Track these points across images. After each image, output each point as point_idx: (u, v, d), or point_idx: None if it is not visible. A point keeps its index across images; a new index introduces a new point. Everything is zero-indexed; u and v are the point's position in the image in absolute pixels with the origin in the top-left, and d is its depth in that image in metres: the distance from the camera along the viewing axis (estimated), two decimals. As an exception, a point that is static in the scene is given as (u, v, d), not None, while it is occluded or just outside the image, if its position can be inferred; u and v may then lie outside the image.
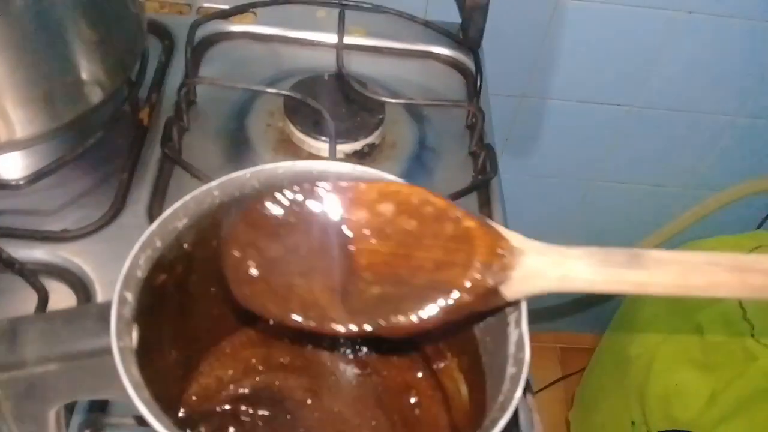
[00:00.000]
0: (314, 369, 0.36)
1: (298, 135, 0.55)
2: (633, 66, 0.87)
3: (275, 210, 0.29)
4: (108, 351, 0.25)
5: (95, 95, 0.50)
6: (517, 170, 0.99)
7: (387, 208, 0.30)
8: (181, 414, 0.34)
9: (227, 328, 0.36)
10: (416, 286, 0.28)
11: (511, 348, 0.26)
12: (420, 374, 0.37)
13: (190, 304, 0.32)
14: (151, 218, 0.51)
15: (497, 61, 0.72)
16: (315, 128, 0.55)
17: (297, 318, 0.28)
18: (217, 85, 0.57)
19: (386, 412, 0.35)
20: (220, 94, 0.59)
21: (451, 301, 0.27)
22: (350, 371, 0.36)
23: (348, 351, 0.37)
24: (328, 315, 0.28)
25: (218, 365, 0.36)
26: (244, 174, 0.30)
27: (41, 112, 0.47)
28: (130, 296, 0.26)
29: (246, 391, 0.36)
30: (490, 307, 0.28)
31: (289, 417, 0.35)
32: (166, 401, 0.26)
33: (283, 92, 0.55)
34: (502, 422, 0.24)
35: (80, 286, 0.47)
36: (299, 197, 0.29)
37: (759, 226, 1.08)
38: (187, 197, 0.29)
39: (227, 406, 0.35)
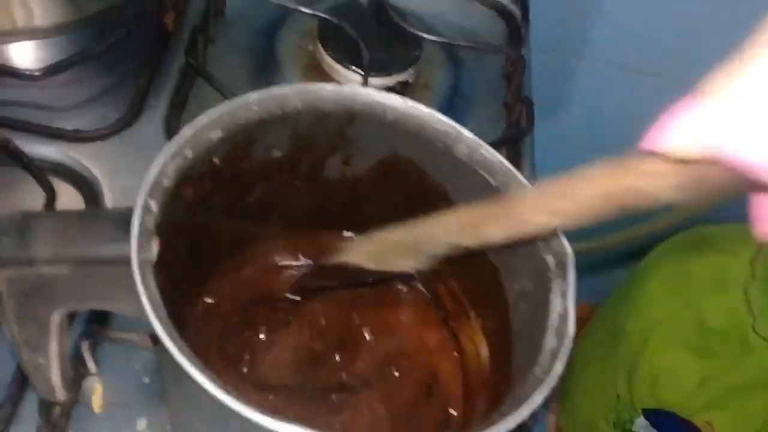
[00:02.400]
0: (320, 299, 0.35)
1: (329, 61, 0.52)
2: (683, 36, 0.83)
3: None
4: (125, 261, 0.23)
5: (122, -9, 0.47)
6: (542, 130, 0.96)
7: None
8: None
9: (244, 250, 0.34)
10: None
11: (553, 319, 0.24)
12: (436, 331, 0.35)
13: (209, 221, 0.30)
14: (168, 128, 0.49)
15: (535, 9, 0.69)
16: (348, 56, 0.52)
17: None
18: (249, -4, 0.54)
19: (391, 370, 0.34)
20: (251, 7, 0.56)
21: None
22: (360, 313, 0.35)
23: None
24: None
25: (229, 286, 0.34)
26: (287, 91, 0.28)
27: (64, 2, 0.44)
28: (154, 205, 0.24)
29: (254, 316, 0.34)
30: None
31: (295, 347, 0.33)
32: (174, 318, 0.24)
33: (320, 14, 0.52)
34: (539, 396, 0.22)
35: (88, 189, 0.45)
36: None
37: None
38: (222, 107, 0.27)
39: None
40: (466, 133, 0.29)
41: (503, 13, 0.62)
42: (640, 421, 0.99)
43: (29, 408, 0.36)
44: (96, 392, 0.38)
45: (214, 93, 0.50)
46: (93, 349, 0.38)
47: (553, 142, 0.98)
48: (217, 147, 0.27)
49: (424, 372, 0.34)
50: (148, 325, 0.38)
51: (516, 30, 0.60)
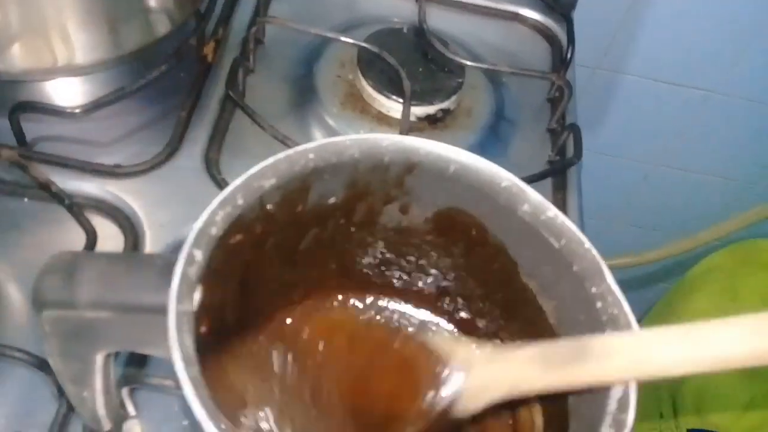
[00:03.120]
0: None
1: (369, 91, 0.51)
2: (720, 49, 0.80)
3: None
4: (165, 310, 0.22)
5: (162, 26, 0.46)
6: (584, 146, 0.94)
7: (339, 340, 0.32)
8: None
9: (294, 296, 0.34)
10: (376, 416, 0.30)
11: (612, 405, 0.23)
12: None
13: (262, 267, 0.30)
14: (208, 162, 0.48)
15: (579, 30, 0.67)
16: (389, 86, 0.51)
17: None
18: (288, 27, 0.53)
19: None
20: (290, 37, 0.56)
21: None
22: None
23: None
24: None
25: (275, 335, 0.34)
26: (344, 140, 0.27)
27: (105, 39, 0.44)
28: (199, 255, 0.24)
29: (297, 366, 0.33)
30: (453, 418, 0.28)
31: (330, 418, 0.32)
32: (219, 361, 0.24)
33: (359, 43, 0.51)
34: None
35: (128, 225, 0.45)
36: None
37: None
38: (280, 156, 0.26)
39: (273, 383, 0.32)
40: (531, 193, 0.28)
41: (548, 36, 0.61)
42: (685, 442, 0.97)
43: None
44: (136, 434, 0.38)
45: (254, 125, 0.50)
46: (132, 392, 0.38)
47: (595, 160, 0.96)
48: (270, 195, 0.27)
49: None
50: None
51: (561, 54, 0.59)
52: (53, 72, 0.46)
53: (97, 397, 0.29)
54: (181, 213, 0.46)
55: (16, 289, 0.42)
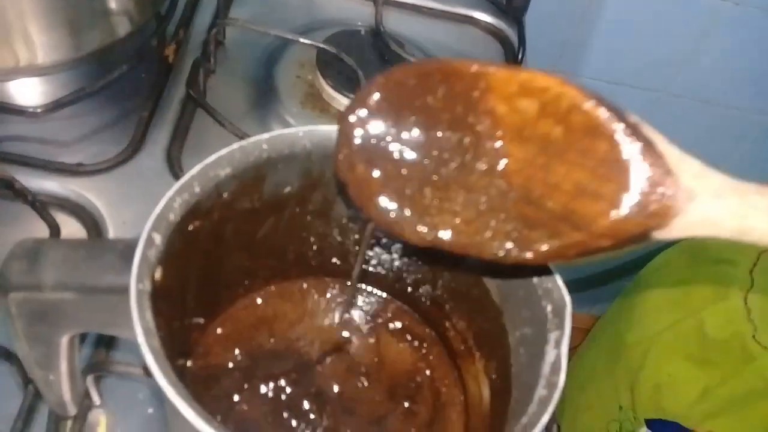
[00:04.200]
0: (329, 342, 0.35)
1: (329, 91, 0.53)
2: (670, 52, 0.84)
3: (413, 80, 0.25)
4: (127, 290, 0.24)
5: (123, 27, 0.47)
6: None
7: (529, 106, 0.24)
8: (189, 364, 0.33)
9: (253, 282, 0.35)
10: (547, 211, 0.23)
11: (546, 368, 0.25)
12: (443, 369, 0.36)
13: (221, 253, 0.31)
14: (170, 160, 0.50)
15: (529, 32, 0.69)
16: (347, 85, 0.53)
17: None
18: (249, 28, 0.54)
19: (399, 402, 0.34)
20: (250, 38, 0.57)
21: (582, 241, 0.23)
22: (367, 354, 0.35)
23: (369, 330, 0.36)
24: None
25: (234, 321, 0.35)
26: (296, 132, 0.29)
27: (66, 39, 0.45)
28: (158, 238, 0.25)
29: (257, 351, 0.35)
30: (628, 249, 0.23)
31: (298, 383, 0.34)
32: (175, 350, 0.25)
33: (318, 44, 0.52)
34: None
35: (91, 223, 0.46)
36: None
37: None
38: (234, 146, 0.28)
39: (237, 365, 0.34)
40: None
41: (500, 37, 0.63)
42: (643, 432, 1.00)
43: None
44: (101, 424, 0.38)
45: (215, 125, 0.51)
46: (97, 382, 0.39)
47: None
48: (226, 183, 0.28)
49: (430, 406, 0.34)
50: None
51: (513, 54, 0.61)
52: (15, 72, 0.47)
53: (62, 381, 0.30)
54: (143, 211, 0.46)
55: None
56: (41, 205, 0.43)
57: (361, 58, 0.53)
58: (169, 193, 0.26)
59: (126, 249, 0.25)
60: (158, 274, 0.25)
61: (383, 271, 0.36)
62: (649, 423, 0.98)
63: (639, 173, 0.22)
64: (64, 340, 0.27)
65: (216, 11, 0.57)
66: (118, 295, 0.24)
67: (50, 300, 0.25)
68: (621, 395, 1.01)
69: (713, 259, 0.96)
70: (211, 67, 0.54)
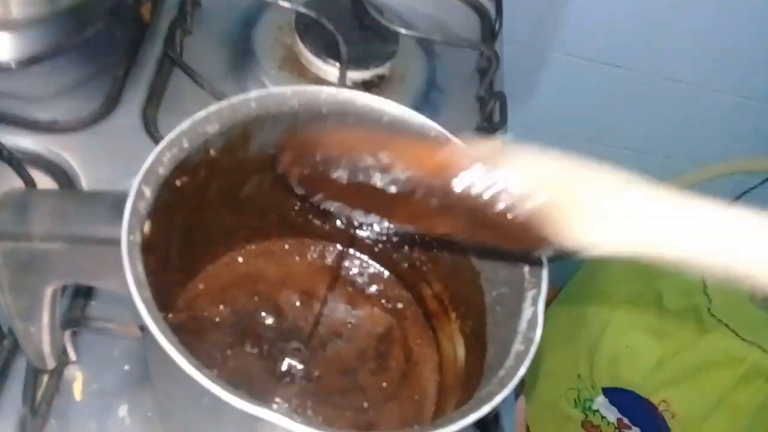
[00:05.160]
0: (308, 301, 0.36)
1: (307, 55, 0.53)
2: (643, 30, 0.85)
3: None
4: (116, 242, 0.24)
5: (99, -18, 0.47)
6: (514, 122, 0.98)
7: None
8: (170, 317, 0.33)
9: (235, 241, 0.35)
10: None
11: (523, 324, 0.26)
12: (417, 329, 0.37)
13: (205, 211, 0.32)
14: (145, 119, 0.49)
15: (507, 5, 0.70)
16: (325, 50, 0.53)
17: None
18: (227, -11, 0.54)
19: (371, 358, 0.35)
20: (228, 0, 0.56)
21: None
22: (347, 311, 0.36)
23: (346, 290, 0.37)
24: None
25: (215, 279, 0.36)
26: (285, 91, 0.29)
27: (41, -7, 0.44)
28: (148, 191, 0.26)
29: (238, 307, 0.35)
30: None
31: (277, 341, 0.35)
32: (159, 302, 0.25)
33: (297, 8, 0.52)
34: (499, 398, 0.24)
35: (66, 180, 0.46)
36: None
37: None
38: (223, 103, 0.28)
39: (218, 320, 0.34)
40: (456, 142, 0.30)
41: (477, 8, 0.63)
42: (600, 400, 1.03)
43: (12, 395, 0.37)
44: (77, 380, 0.39)
45: (191, 85, 0.50)
46: (74, 339, 0.39)
47: (524, 134, 1.00)
48: (214, 140, 0.29)
49: (403, 365, 0.35)
50: (128, 313, 0.39)
51: (490, 25, 0.62)
52: (-12, 25, 0.46)
53: (43, 333, 0.30)
54: (119, 169, 0.46)
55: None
56: (16, 161, 0.43)
57: (340, 24, 0.53)
58: (159, 147, 0.26)
59: (115, 201, 0.25)
60: (147, 228, 0.25)
61: (364, 235, 0.37)
62: (606, 391, 1.01)
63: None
64: (48, 291, 0.27)
65: (193, -30, 0.56)
66: (107, 247, 0.24)
67: (38, 250, 0.25)
68: (580, 364, 1.04)
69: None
70: (188, 28, 0.54)
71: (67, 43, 0.47)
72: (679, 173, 1.02)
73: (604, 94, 0.94)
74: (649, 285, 0.97)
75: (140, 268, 0.23)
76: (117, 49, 0.51)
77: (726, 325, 0.90)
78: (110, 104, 0.49)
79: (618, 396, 1.01)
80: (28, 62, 0.46)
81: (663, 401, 0.97)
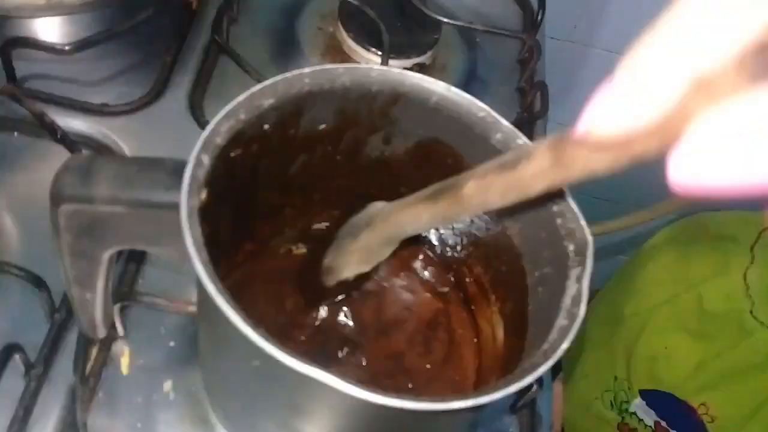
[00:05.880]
0: (356, 284, 0.36)
1: (350, 43, 0.54)
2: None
3: None
4: (175, 206, 0.24)
5: (149, -30, 0.48)
6: (553, 116, 0.97)
7: None
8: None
9: (280, 221, 0.36)
10: None
11: (567, 301, 0.26)
12: (459, 312, 0.37)
13: (253, 187, 0.32)
14: (192, 105, 0.50)
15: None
16: (368, 38, 0.53)
17: None
18: (272, -22, 0.55)
19: (417, 342, 0.35)
20: (273, -12, 0.57)
21: None
22: (390, 295, 0.36)
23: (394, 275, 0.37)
24: None
25: (262, 255, 0.36)
26: (337, 68, 0.29)
27: (94, -21, 0.45)
28: (206, 159, 0.26)
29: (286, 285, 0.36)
30: None
31: (327, 321, 0.35)
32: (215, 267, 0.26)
33: (341, -4, 0.53)
34: (542, 369, 0.24)
35: (115, 163, 0.47)
36: None
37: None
38: (278, 78, 0.29)
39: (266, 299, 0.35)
40: (504, 123, 0.30)
41: (520, 0, 0.63)
42: (637, 402, 1.01)
43: (63, 367, 0.38)
44: (124, 355, 0.40)
45: (237, 71, 0.51)
46: (122, 314, 0.40)
47: (562, 128, 0.99)
48: (267, 114, 0.29)
49: (447, 348, 0.35)
50: (175, 290, 0.39)
51: (532, 17, 0.62)
52: (43, 9, 0.47)
53: (97, 300, 0.31)
54: (165, 152, 0.46)
55: (9, 219, 0.43)
56: (70, 142, 0.44)
57: (383, 13, 0.54)
58: (217, 118, 0.27)
59: (176, 167, 0.25)
60: (204, 195, 0.25)
61: None
62: (644, 394, 1.00)
63: None
64: (106, 256, 0.28)
65: (240, -40, 0.57)
66: (166, 211, 0.25)
67: (100, 213, 0.26)
68: (617, 366, 1.03)
69: (714, 236, 0.97)
70: (233, 16, 0.55)
71: (118, 28, 0.48)
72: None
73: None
74: (690, 287, 0.96)
75: (198, 231, 0.24)
76: (165, 36, 0.52)
77: (768, 328, 0.88)
78: (159, 89, 0.50)
79: (656, 398, 1.00)
80: (81, 46, 0.47)
81: (702, 404, 0.96)
